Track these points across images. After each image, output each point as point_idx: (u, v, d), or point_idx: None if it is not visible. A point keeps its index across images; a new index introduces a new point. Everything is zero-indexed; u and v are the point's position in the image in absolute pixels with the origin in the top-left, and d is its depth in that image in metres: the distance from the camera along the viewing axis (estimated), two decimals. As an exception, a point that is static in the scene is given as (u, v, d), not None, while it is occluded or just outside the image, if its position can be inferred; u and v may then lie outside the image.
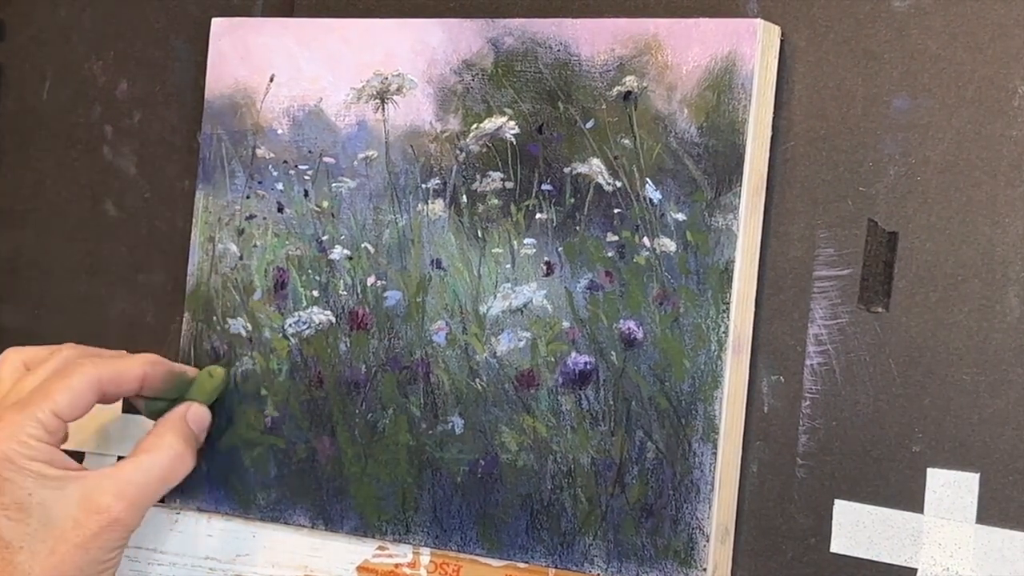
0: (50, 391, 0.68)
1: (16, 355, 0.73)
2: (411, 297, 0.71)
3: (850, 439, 0.65)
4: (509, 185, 0.70)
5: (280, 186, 0.75)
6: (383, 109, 0.73)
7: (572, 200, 0.68)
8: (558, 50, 0.69)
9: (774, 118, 0.66)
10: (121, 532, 0.68)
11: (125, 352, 0.74)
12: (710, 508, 0.65)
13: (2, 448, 0.67)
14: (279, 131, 0.75)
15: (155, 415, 0.74)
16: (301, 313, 0.74)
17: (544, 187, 0.69)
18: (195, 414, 0.73)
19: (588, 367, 0.68)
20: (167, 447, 0.70)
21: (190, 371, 0.75)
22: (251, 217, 0.75)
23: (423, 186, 0.71)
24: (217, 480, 0.75)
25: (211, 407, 0.75)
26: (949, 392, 0.63)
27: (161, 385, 0.73)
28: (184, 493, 0.75)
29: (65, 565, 0.67)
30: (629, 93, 0.67)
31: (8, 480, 0.67)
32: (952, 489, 0.63)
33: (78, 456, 0.83)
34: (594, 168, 0.68)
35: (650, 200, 0.67)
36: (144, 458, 0.70)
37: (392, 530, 0.71)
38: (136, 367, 0.71)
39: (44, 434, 0.68)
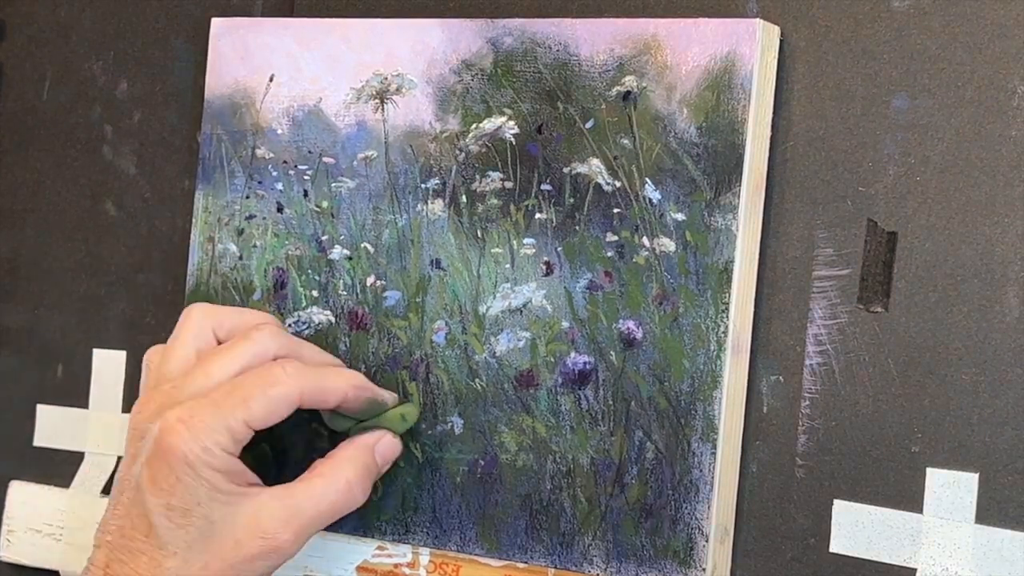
0: (248, 398, 0.64)
1: (204, 318, 0.68)
2: (410, 297, 0.71)
3: (849, 439, 0.65)
4: (509, 185, 0.70)
5: (280, 186, 0.75)
6: (383, 109, 0.73)
7: (571, 200, 0.68)
8: (557, 50, 0.69)
9: (773, 118, 0.66)
10: (279, 559, 0.64)
11: (330, 359, 0.70)
12: (709, 508, 0.65)
13: (184, 448, 0.63)
14: (279, 131, 0.75)
15: (337, 426, 0.70)
16: (301, 313, 0.74)
17: (543, 187, 0.69)
18: (385, 446, 0.69)
19: (587, 367, 0.68)
20: (344, 478, 0.66)
21: (389, 399, 0.70)
22: (251, 217, 0.75)
23: (422, 186, 0.71)
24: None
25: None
26: (948, 392, 0.63)
27: (357, 408, 0.68)
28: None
29: None
30: (629, 93, 0.67)
31: (181, 483, 0.63)
32: (951, 489, 0.63)
33: (78, 456, 0.83)
34: (593, 168, 0.68)
35: (649, 200, 0.67)
36: (318, 484, 0.66)
37: (391, 530, 0.71)
38: (340, 389, 0.67)
39: (231, 443, 0.63)
